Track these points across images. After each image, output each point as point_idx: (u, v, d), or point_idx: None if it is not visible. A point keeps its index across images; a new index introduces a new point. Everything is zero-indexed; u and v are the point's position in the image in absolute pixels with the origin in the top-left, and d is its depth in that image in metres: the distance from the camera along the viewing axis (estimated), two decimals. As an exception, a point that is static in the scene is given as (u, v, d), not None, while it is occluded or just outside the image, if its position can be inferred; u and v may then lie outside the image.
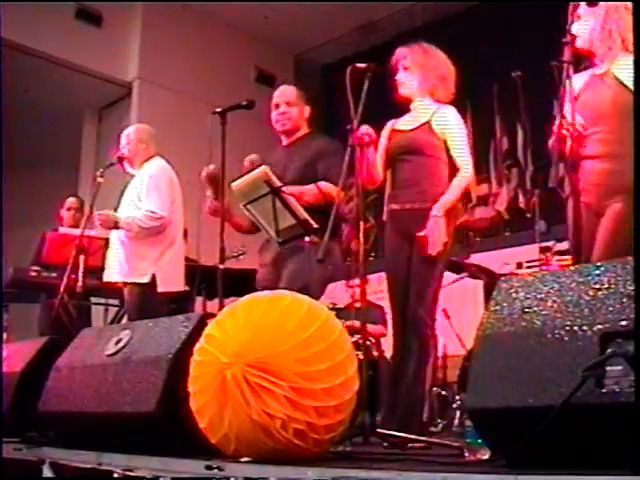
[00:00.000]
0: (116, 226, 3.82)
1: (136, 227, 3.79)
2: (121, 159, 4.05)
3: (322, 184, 3.20)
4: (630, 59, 2.44)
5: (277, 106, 3.43)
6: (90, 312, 5.05)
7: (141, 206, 3.81)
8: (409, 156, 3.10)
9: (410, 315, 2.98)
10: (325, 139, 3.44)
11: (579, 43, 2.59)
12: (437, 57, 3.19)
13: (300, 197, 3.08)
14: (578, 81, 2.64)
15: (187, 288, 4.05)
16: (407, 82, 3.16)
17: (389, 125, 3.26)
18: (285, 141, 3.47)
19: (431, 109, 3.12)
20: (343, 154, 3.17)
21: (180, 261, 3.97)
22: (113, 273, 3.90)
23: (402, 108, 3.26)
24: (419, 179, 3.06)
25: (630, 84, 2.45)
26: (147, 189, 3.84)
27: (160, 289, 3.78)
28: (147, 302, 3.73)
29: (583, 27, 2.59)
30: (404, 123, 3.20)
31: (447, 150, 3.08)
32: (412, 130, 3.13)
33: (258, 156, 3.26)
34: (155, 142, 4.09)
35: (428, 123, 3.08)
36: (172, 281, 3.87)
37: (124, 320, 4.75)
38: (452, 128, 3.08)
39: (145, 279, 3.76)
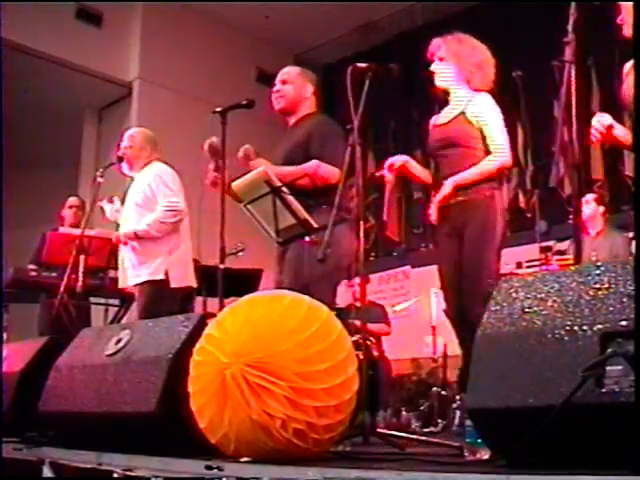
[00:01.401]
0: (136, 236, 3.78)
1: (157, 226, 3.76)
2: (121, 159, 4.03)
3: (313, 163, 3.06)
4: None
5: (275, 87, 3.34)
6: (90, 312, 5.05)
7: (157, 206, 3.79)
8: (447, 150, 3.03)
9: (466, 315, 2.92)
10: (321, 118, 3.30)
11: (625, 30, 2.53)
12: (472, 45, 3.10)
13: (286, 177, 2.95)
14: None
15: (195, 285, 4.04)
16: (442, 72, 3.09)
17: (431, 121, 3.21)
18: (290, 123, 3.36)
19: (465, 99, 3.05)
20: (337, 134, 3.08)
21: (189, 258, 3.97)
22: (127, 278, 3.89)
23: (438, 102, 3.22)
24: (456, 171, 2.96)
25: None
26: (157, 188, 3.82)
27: (173, 285, 3.77)
28: (160, 299, 3.71)
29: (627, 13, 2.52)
30: (442, 117, 3.14)
31: (483, 138, 3.00)
32: (447, 123, 3.06)
33: (251, 147, 3.18)
34: (157, 148, 4.08)
35: (463, 114, 3.01)
36: (183, 277, 3.86)
37: (124, 320, 4.75)
38: (486, 115, 2.99)
39: (160, 276, 3.75)
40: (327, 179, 3.01)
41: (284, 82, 3.32)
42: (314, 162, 3.06)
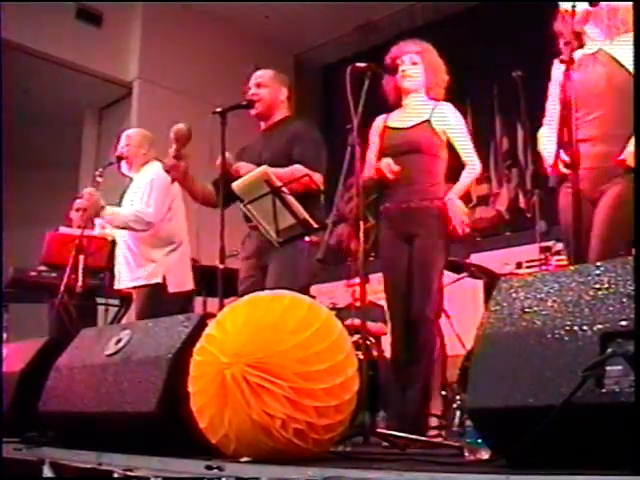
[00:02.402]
0: (99, 213, 3.77)
1: (120, 222, 3.77)
2: (120, 158, 4.04)
3: (297, 167, 3.03)
4: (625, 38, 2.41)
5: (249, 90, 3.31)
6: (96, 312, 5.04)
7: (134, 205, 3.80)
8: (407, 155, 3.05)
9: (415, 315, 2.96)
10: (302, 123, 3.28)
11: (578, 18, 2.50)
12: (441, 60, 3.17)
13: (289, 182, 2.90)
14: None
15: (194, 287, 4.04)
16: (415, 75, 3.11)
17: (380, 122, 3.21)
18: (263, 126, 3.35)
19: (429, 106, 3.09)
20: (319, 141, 3.12)
21: (187, 261, 3.97)
22: (124, 280, 3.88)
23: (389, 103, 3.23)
24: (416, 177, 3.03)
25: (625, 62, 2.38)
26: (142, 193, 3.82)
27: (170, 290, 3.76)
28: (158, 303, 3.70)
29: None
30: (398, 120, 3.15)
31: (449, 147, 3.06)
32: (410, 128, 3.09)
33: (230, 154, 3.12)
34: (155, 148, 4.08)
35: (428, 121, 3.05)
36: (181, 281, 3.86)
37: (124, 320, 4.75)
38: (452, 124, 3.05)
39: (156, 279, 3.74)
40: (309, 185, 2.97)
41: (259, 85, 3.28)
42: (300, 167, 3.03)
